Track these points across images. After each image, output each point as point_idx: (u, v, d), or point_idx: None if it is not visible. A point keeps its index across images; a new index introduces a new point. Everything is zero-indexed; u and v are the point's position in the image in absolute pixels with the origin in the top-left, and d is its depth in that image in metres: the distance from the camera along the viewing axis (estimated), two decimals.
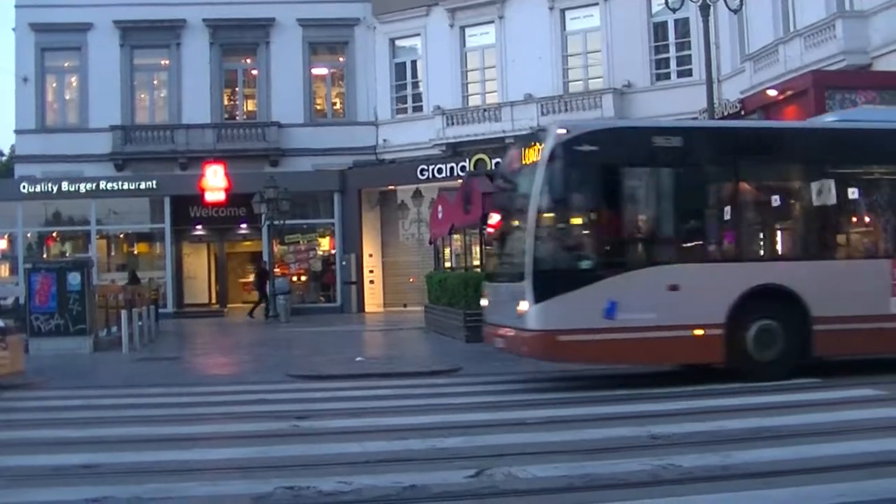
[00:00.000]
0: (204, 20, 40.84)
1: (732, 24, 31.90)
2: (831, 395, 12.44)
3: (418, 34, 41.28)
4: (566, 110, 36.24)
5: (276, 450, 9.64)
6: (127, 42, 41.00)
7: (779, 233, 15.41)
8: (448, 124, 38.82)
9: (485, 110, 38.33)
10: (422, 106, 40.70)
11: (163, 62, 41.97)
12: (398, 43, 41.94)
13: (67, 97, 42.12)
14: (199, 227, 42.02)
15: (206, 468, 8.83)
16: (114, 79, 40.44)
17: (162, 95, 42.31)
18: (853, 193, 15.11)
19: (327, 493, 7.63)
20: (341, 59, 42.75)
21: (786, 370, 13.79)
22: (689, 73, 35.15)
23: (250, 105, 42.80)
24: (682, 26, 35.35)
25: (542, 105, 36.73)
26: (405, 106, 41.52)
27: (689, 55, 35.31)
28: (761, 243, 15.35)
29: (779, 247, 15.37)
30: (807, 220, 15.04)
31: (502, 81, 38.98)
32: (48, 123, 41.11)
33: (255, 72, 42.38)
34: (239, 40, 42.16)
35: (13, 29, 40.91)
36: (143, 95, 42.43)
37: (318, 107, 42.56)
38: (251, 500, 7.51)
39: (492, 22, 39.56)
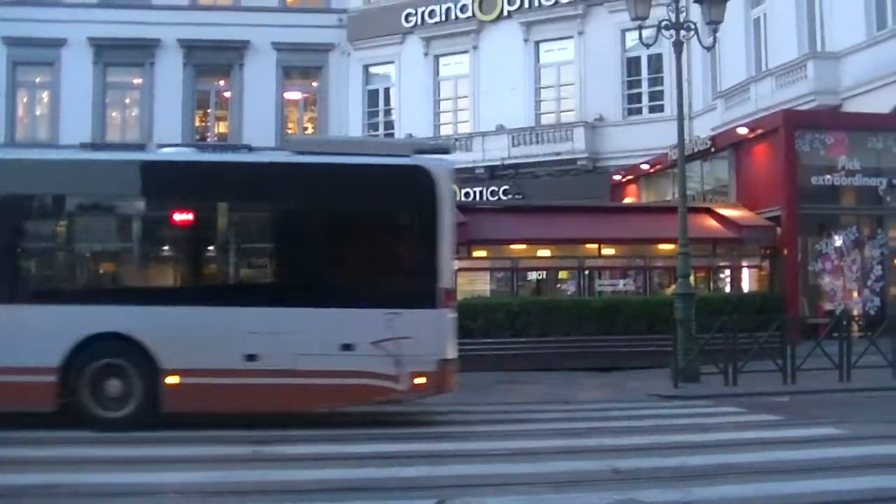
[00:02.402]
0: (178, 40, 40.62)
1: (705, 61, 32.08)
2: (793, 433, 12.46)
3: (392, 62, 41.25)
4: (538, 142, 36.36)
5: (235, 475, 9.55)
6: (100, 59, 40.74)
7: None
8: None
9: (456, 140, 38.19)
10: (393, 133, 40.43)
11: (136, 81, 41.70)
12: (372, 70, 41.89)
13: (38, 112, 41.77)
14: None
15: (167, 491, 8.74)
16: (86, 95, 40.09)
17: (134, 114, 42.04)
18: None
19: None
20: (315, 83, 42.67)
21: None
22: (661, 108, 35.22)
23: (222, 127, 42.57)
24: (656, 62, 35.41)
25: (513, 136, 36.75)
26: (377, 133, 41.25)
27: (662, 91, 35.37)
28: None
29: None
30: None
31: (475, 111, 38.99)
32: (18, 138, 40.57)
33: (227, 94, 42.16)
34: (213, 62, 41.92)
35: None
36: (114, 113, 42.07)
37: (290, 131, 42.34)
38: None
39: (466, 52, 39.52)
